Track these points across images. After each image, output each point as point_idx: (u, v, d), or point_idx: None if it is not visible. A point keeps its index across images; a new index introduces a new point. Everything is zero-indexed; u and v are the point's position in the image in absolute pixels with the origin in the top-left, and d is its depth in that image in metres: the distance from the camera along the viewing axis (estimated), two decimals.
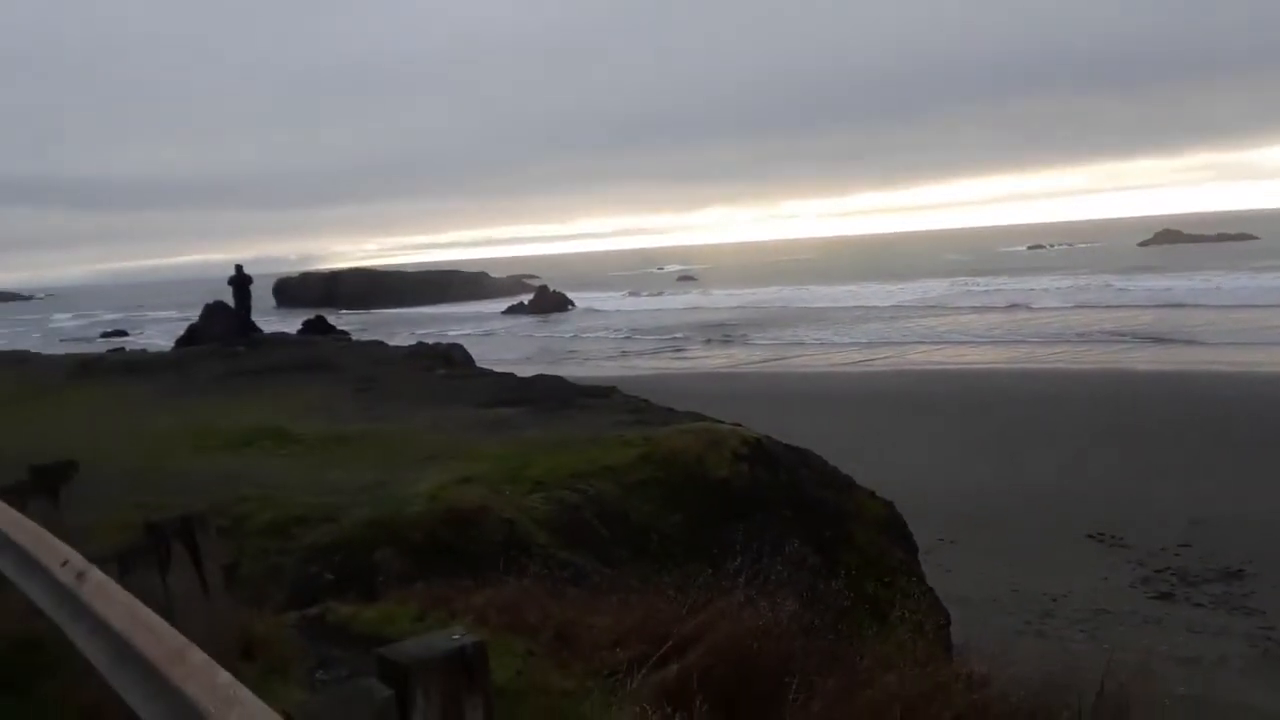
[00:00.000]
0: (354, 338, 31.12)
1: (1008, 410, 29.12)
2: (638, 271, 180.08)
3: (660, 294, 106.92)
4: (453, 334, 55.51)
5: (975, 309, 66.53)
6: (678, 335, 59.09)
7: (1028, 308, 63.71)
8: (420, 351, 23.78)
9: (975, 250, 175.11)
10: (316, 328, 32.93)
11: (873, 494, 12.53)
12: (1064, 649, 11.61)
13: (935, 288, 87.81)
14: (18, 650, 4.84)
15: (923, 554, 13.18)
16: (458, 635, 2.47)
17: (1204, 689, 11.62)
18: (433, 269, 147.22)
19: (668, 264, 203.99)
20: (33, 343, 59.05)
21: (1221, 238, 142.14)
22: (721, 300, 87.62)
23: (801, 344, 51.60)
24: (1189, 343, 42.73)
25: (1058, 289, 74.70)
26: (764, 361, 43.84)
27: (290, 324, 38.77)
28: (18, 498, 5.50)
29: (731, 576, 5.32)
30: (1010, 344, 46.78)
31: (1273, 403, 27.95)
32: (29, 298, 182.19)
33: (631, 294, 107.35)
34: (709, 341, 54.82)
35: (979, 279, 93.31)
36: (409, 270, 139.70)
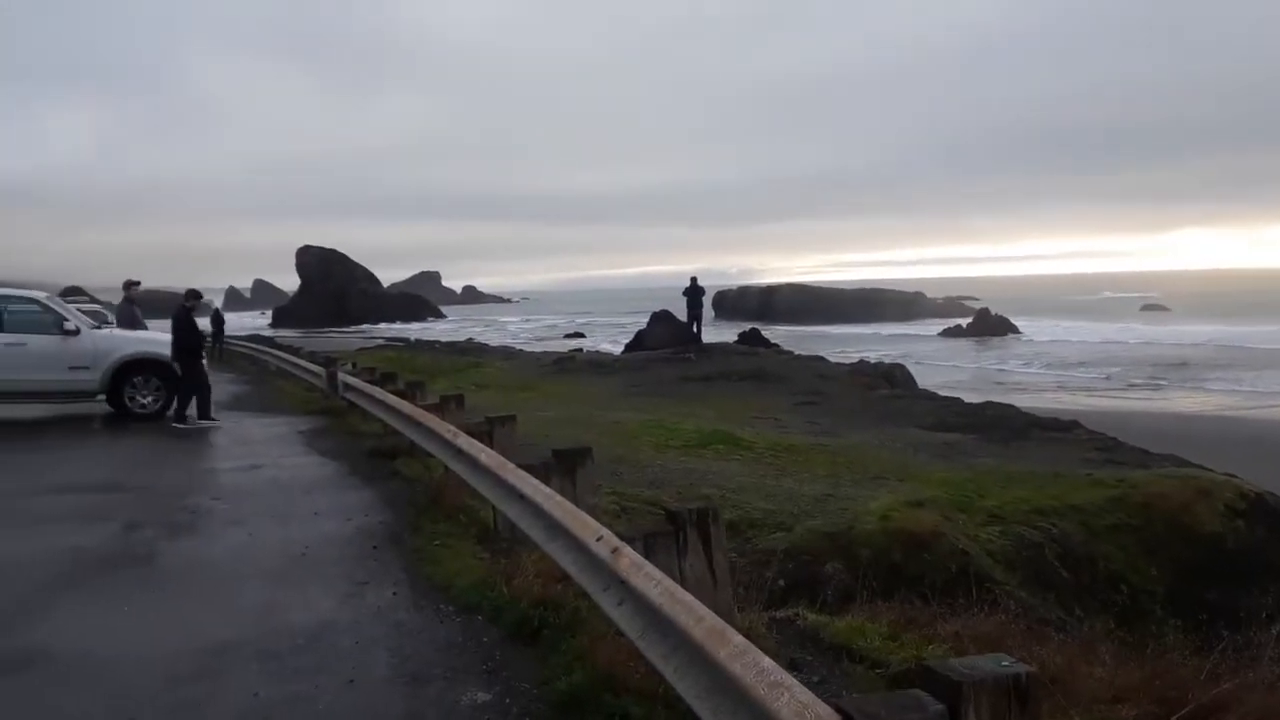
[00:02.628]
0: (786, 351, 31.87)
1: None
2: (1092, 297, 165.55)
3: (1121, 322, 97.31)
4: (887, 354, 54.77)
5: None
6: (1145, 369, 53.26)
7: None
8: (862, 369, 23.83)
9: None
10: (752, 339, 34.19)
11: None
12: None
13: None
14: (538, 608, 5.49)
15: None
16: (1007, 662, 2.43)
17: None
18: (867, 286, 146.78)
19: (1127, 290, 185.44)
20: (509, 339, 68.05)
21: None
22: (1193, 334, 77.61)
23: None
24: None
25: None
26: (1253, 406, 38.14)
27: (727, 335, 40.51)
28: (542, 475, 6.31)
29: (1257, 646, 4.70)
30: None
31: None
32: (508, 300, 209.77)
33: (1086, 320, 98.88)
34: (1181, 379, 48.83)
35: None
36: (845, 287, 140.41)
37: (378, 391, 11.93)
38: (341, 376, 14.85)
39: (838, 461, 13.20)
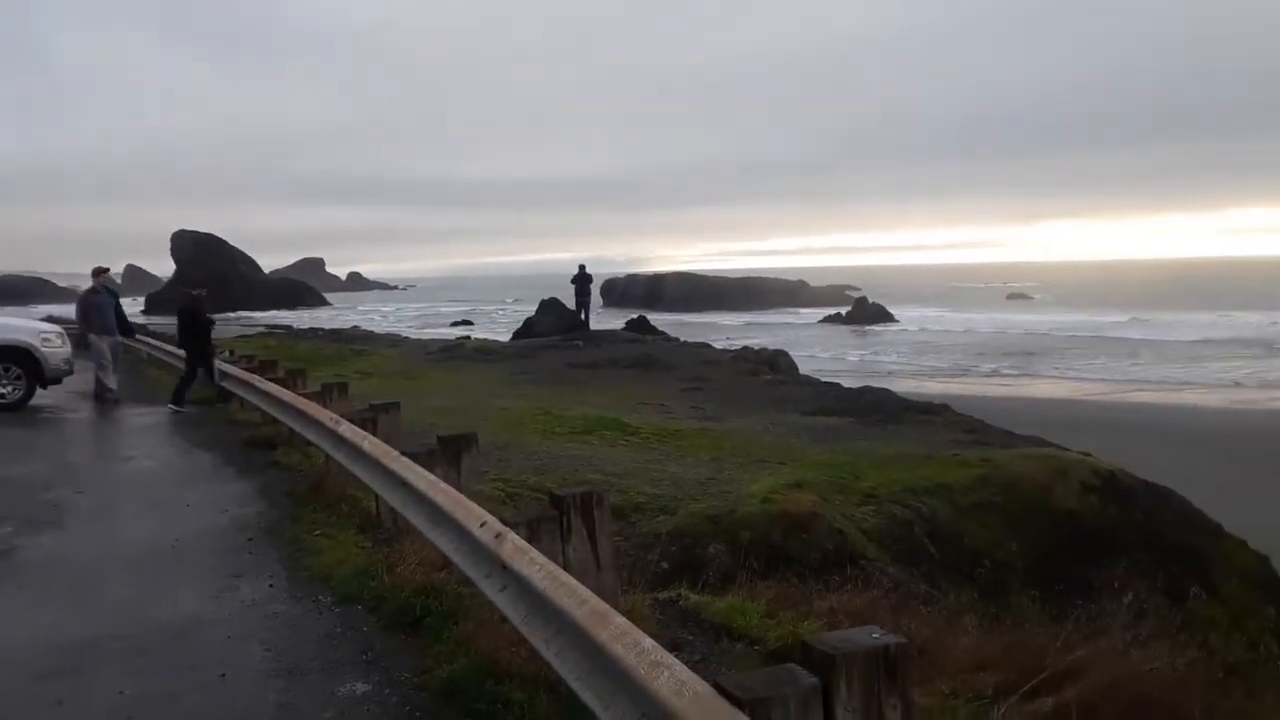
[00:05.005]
0: (673, 338, 32.23)
1: None
2: (966, 286, 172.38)
3: (987, 311, 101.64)
4: (771, 341, 55.87)
5: None
6: (1008, 355, 55.95)
7: None
8: (746, 356, 24.27)
9: None
10: (639, 327, 34.46)
11: (1243, 543, 11.23)
12: None
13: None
14: (420, 596, 5.45)
15: None
16: (878, 634, 2.54)
17: None
18: (753, 275, 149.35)
19: (999, 280, 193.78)
20: (395, 327, 66.80)
21: None
22: (1055, 321, 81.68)
23: (1143, 370, 47.09)
24: None
25: None
26: (1108, 391, 40.42)
27: (615, 322, 40.73)
28: (426, 462, 6.25)
29: (1108, 616, 5.01)
30: None
31: None
32: (395, 287, 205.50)
33: (957, 309, 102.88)
34: (1039, 364, 51.42)
35: None
36: (731, 275, 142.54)
37: (256, 379, 11.58)
38: (219, 364, 14.37)
39: (722, 446, 13.42)
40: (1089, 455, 11.79)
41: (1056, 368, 49.96)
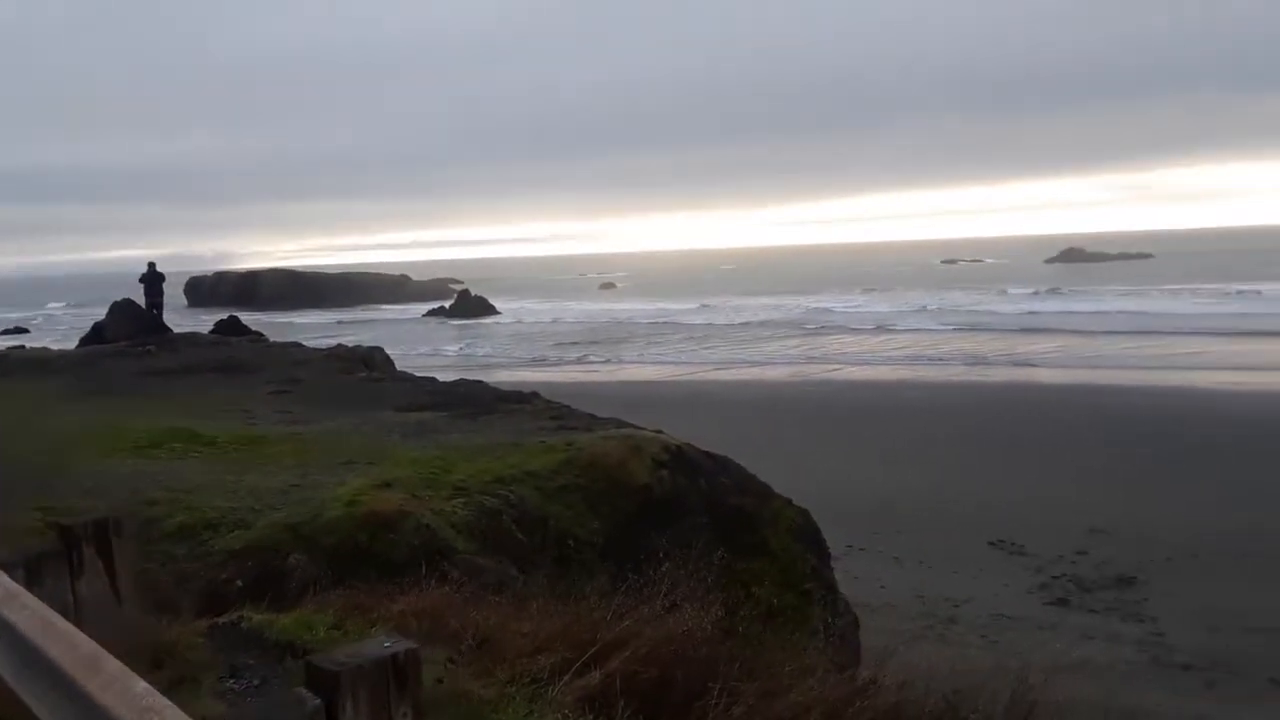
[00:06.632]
0: (271, 339, 30.41)
1: (914, 421, 29.88)
2: (564, 277, 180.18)
3: (582, 301, 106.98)
4: (373, 337, 54.69)
5: (880, 323, 67.97)
6: (596, 342, 59.47)
7: (924, 328, 64.39)
8: (340, 354, 23.39)
9: (888, 263, 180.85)
10: (230, 328, 32.07)
11: (789, 501, 12.74)
12: (964, 655, 11.97)
13: (851, 300, 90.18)
14: None
15: (833, 561, 13.46)
16: (389, 643, 2.48)
17: (1092, 693, 12.11)
18: (355, 270, 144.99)
19: (593, 271, 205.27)
20: None
21: (1123, 256, 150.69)
22: (640, 310, 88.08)
23: (712, 352, 52.33)
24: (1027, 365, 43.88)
25: (938, 307, 77.34)
26: (684, 373, 44.20)
27: (204, 324, 37.70)
28: None
29: (654, 583, 5.39)
30: (912, 359, 47.88)
31: (1173, 418, 29.21)
32: None
33: (554, 301, 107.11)
34: (626, 348, 55.23)
35: (898, 293, 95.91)
36: (332, 271, 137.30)
37: None
38: None
39: (309, 450, 12.80)
40: (661, 432, 12.72)
41: (640, 353, 54.00)
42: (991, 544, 18.04)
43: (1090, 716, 11.61)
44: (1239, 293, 78.55)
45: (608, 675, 4.07)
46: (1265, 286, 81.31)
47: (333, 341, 36.66)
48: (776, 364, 47.27)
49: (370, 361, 22.40)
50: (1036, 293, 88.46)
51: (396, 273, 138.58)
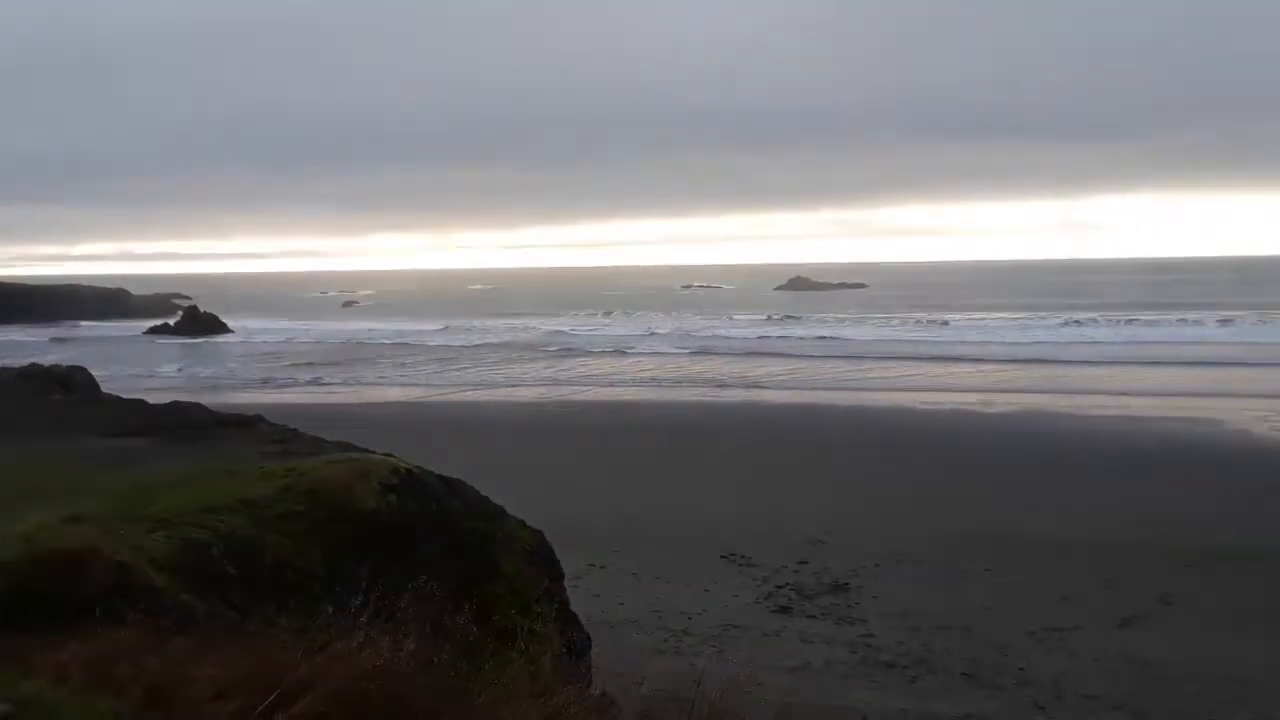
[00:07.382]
0: None
1: (654, 440, 30.88)
2: (304, 295, 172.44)
3: (322, 320, 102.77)
4: (82, 354, 49.88)
5: (619, 346, 69.93)
6: (333, 363, 57.16)
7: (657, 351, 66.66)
8: (33, 373, 21.05)
9: (632, 287, 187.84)
10: None
11: (523, 523, 12.69)
12: (692, 665, 12.37)
13: (593, 323, 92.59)
14: None
15: (573, 579, 13.55)
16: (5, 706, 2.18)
17: (809, 694, 12.89)
18: (64, 282, 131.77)
19: (335, 289, 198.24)
20: None
21: (842, 285, 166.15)
22: (383, 329, 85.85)
23: (455, 374, 51.77)
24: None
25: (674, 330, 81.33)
26: (430, 395, 43.31)
27: None
28: None
29: (356, 614, 5.14)
30: (652, 381, 49.55)
31: (880, 433, 31.82)
32: None
33: (292, 319, 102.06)
34: (366, 368, 53.48)
35: (643, 313, 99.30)
36: (36, 283, 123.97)
37: None
38: None
39: None
40: (392, 455, 12.33)
41: (380, 375, 52.49)
42: (724, 557, 18.83)
43: (805, 716, 12.35)
44: (940, 322, 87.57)
45: (292, 718, 3.82)
46: (952, 316, 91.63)
47: (37, 359, 33.16)
48: (520, 385, 47.41)
49: (69, 383, 20.32)
50: (770, 318, 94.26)
51: (111, 286, 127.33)
